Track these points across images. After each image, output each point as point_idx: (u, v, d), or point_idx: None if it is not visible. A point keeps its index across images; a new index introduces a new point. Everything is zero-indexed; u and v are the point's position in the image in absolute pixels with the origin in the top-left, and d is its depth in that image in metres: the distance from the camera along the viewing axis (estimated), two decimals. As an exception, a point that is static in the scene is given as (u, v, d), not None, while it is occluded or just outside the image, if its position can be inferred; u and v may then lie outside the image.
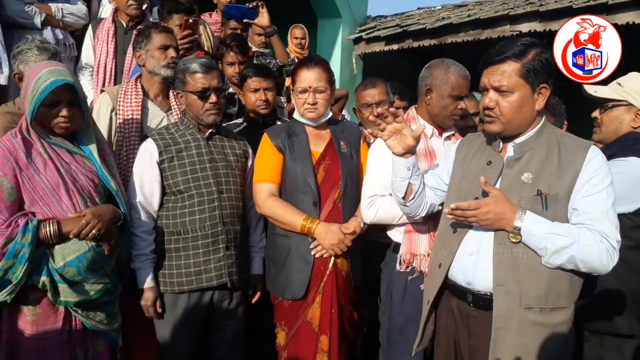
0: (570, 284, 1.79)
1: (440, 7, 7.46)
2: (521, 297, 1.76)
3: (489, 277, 1.81)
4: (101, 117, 2.68)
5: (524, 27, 5.42)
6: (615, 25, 4.64)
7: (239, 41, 3.46)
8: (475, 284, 1.85)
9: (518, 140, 1.89)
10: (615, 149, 2.26)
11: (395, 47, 6.60)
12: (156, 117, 2.76)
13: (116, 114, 2.70)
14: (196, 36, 3.29)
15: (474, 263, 1.86)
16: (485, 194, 1.83)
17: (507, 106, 1.82)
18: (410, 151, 1.97)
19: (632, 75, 2.37)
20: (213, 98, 2.41)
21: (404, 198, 2.06)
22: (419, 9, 7.85)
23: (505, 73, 1.81)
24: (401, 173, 2.01)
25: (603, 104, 2.38)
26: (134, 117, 2.69)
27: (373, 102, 3.00)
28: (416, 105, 2.59)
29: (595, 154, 1.80)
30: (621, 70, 2.69)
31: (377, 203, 2.37)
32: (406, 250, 2.35)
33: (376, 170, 2.42)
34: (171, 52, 2.75)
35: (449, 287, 1.97)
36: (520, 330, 1.76)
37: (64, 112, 1.99)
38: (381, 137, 1.99)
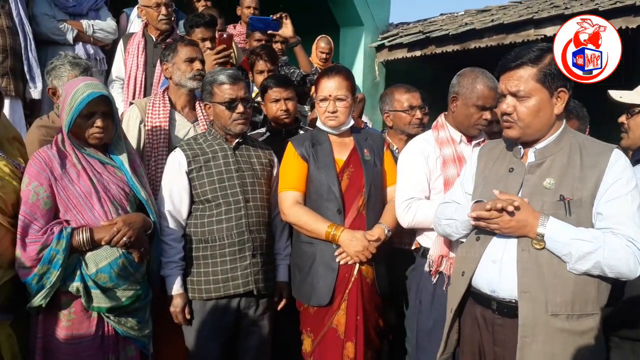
0: (598, 289, 1.76)
1: (463, 13, 7.41)
2: (547, 303, 1.73)
3: (513, 285, 1.78)
4: (130, 129, 2.76)
5: (549, 31, 5.34)
6: (642, 27, 4.60)
7: (268, 50, 3.55)
8: (500, 291, 1.83)
9: (539, 146, 1.87)
10: (644, 153, 2.23)
11: (418, 53, 6.57)
12: (183, 128, 2.84)
13: (144, 125, 2.78)
14: (231, 51, 3.37)
15: (498, 270, 1.83)
16: None
17: (525, 111, 1.81)
18: None
19: None
20: (240, 108, 2.46)
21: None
22: (441, 14, 7.81)
23: (522, 78, 1.80)
24: (471, 228, 1.97)
25: (629, 109, 2.35)
26: (162, 128, 2.76)
27: (417, 104, 3.04)
28: (446, 113, 2.60)
29: (618, 157, 1.78)
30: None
31: (415, 206, 2.38)
32: (437, 252, 2.35)
33: (409, 174, 2.44)
34: (197, 65, 2.82)
35: (472, 294, 1.95)
36: (547, 338, 1.73)
37: (98, 123, 2.09)
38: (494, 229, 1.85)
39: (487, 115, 2.41)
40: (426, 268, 2.40)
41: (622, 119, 2.39)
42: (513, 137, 1.88)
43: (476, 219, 1.83)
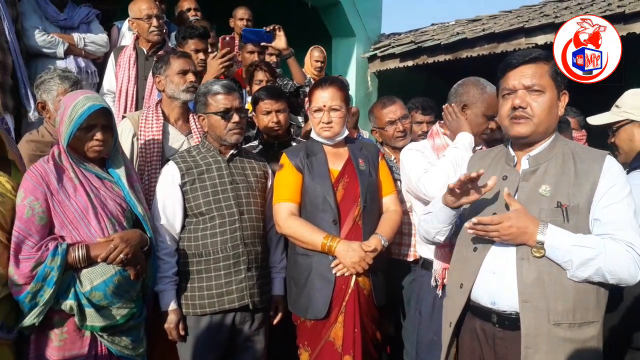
0: (597, 297, 1.74)
1: (454, 22, 7.46)
2: (549, 313, 1.71)
3: (513, 295, 1.76)
4: (123, 142, 2.71)
5: (540, 40, 5.38)
6: (633, 34, 4.64)
7: (267, 63, 3.62)
8: (500, 303, 1.80)
9: (532, 153, 1.86)
10: (638, 161, 2.23)
11: (410, 63, 6.59)
12: (177, 141, 2.81)
13: (137, 139, 2.75)
14: (235, 53, 3.37)
15: (498, 281, 1.81)
16: (501, 210, 1.80)
17: (539, 106, 1.80)
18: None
19: (627, 93, 2.39)
20: (235, 117, 2.45)
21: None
22: (432, 24, 7.87)
23: (536, 73, 1.80)
24: (448, 220, 1.97)
25: (610, 128, 2.40)
26: (155, 141, 2.73)
27: (396, 118, 3.00)
28: (442, 121, 2.58)
29: (611, 163, 1.78)
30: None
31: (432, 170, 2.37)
32: (441, 265, 2.33)
33: (417, 162, 2.43)
34: (190, 77, 2.80)
35: (471, 308, 1.91)
36: (550, 347, 1.71)
37: (98, 136, 2.07)
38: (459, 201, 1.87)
39: (492, 124, 2.41)
40: (432, 283, 2.38)
41: (610, 139, 2.42)
42: (523, 134, 1.84)
43: (476, 224, 1.79)
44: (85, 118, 2.01)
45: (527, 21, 5.64)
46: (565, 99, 1.83)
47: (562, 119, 2.91)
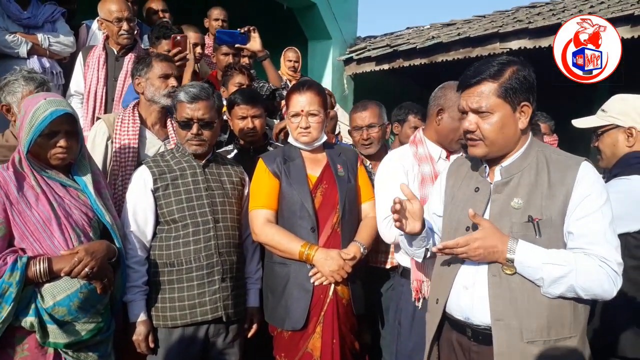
0: (574, 312, 1.69)
1: (429, 27, 7.52)
2: (522, 331, 1.66)
3: (486, 311, 1.71)
4: (96, 146, 2.62)
5: (514, 45, 5.46)
6: (604, 41, 4.74)
7: (245, 66, 3.56)
8: (473, 318, 1.76)
9: (505, 164, 1.81)
10: (619, 168, 2.24)
11: (386, 67, 6.63)
12: (153, 146, 2.71)
13: (112, 142, 2.64)
14: (187, 52, 3.28)
15: (470, 297, 1.76)
16: (474, 225, 1.75)
17: (488, 128, 1.75)
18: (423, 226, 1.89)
19: (614, 98, 2.38)
20: (194, 129, 2.35)
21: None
22: (408, 28, 7.91)
23: (482, 94, 1.74)
24: (418, 244, 1.94)
25: (595, 132, 2.40)
26: (131, 145, 2.63)
27: (363, 125, 2.95)
28: (423, 127, 2.54)
29: (586, 171, 1.70)
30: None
31: None
32: (414, 277, 2.30)
33: (389, 189, 2.35)
34: (172, 81, 2.70)
35: (448, 320, 1.87)
36: None
37: (62, 143, 1.95)
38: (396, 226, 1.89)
39: None
40: (413, 295, 2.34)
41: (594, 143, 2.42)
42: (478, 155, 1.82)
43: (442, 249, 1.75)
44: (48, 124, 1.90)
45: (501, 26, 5.72)
46: (527, 111, 1.75)
47: (537, 128, 2.92)
